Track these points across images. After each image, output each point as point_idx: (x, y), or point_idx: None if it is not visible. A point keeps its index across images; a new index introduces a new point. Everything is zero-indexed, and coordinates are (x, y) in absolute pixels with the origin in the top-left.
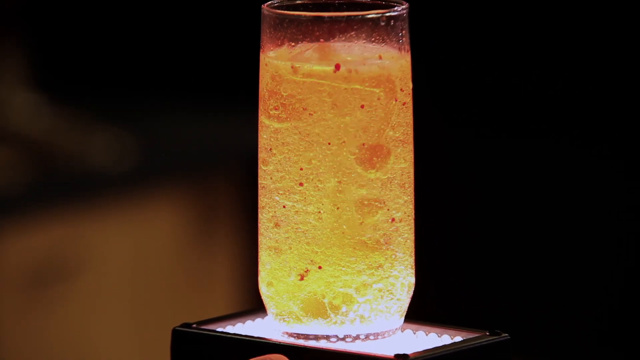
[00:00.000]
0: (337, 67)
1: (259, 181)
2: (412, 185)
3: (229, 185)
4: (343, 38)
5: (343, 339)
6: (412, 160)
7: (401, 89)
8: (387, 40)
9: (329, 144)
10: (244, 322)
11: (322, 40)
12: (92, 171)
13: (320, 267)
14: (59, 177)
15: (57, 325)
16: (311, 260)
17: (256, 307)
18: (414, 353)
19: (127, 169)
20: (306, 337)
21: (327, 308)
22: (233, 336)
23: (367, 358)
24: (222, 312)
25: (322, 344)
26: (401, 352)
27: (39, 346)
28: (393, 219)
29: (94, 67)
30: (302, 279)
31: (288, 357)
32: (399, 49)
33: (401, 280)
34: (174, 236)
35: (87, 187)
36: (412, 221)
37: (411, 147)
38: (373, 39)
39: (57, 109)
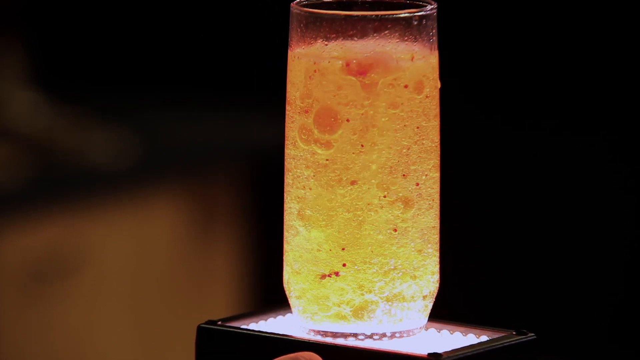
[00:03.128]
0: (370, 65)
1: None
2: (438, 184)
3: (229, 182)
4: (377, 36)
5: (370, 336)
6: (439, 158)
7: (432, 88)
8: (419, 39)
9: (362, 145)
10: (266, 320)
11: (355, 39)
12: (92, 169)
13: (344, 265)
14: (59, 174)
15: (57, 322)
16: (338, 260)
17: (280, 303)
18: (445, 352)
19: (128, 167)
20: (334, 335)
21: (350, 314)
22: (259, 334)
23: (399, 356)
24: (223, 309)
25: (351, 342)
26: (430, 350)
27: (40, 343)
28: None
29: (94, 66)
30: (323, 278)
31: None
32: (430, 48)
33: (426, 279)
34: (174, 233)
35: (88, 184)
36: (437, 220)
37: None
38: (406, 38)
39: (57, 107)
